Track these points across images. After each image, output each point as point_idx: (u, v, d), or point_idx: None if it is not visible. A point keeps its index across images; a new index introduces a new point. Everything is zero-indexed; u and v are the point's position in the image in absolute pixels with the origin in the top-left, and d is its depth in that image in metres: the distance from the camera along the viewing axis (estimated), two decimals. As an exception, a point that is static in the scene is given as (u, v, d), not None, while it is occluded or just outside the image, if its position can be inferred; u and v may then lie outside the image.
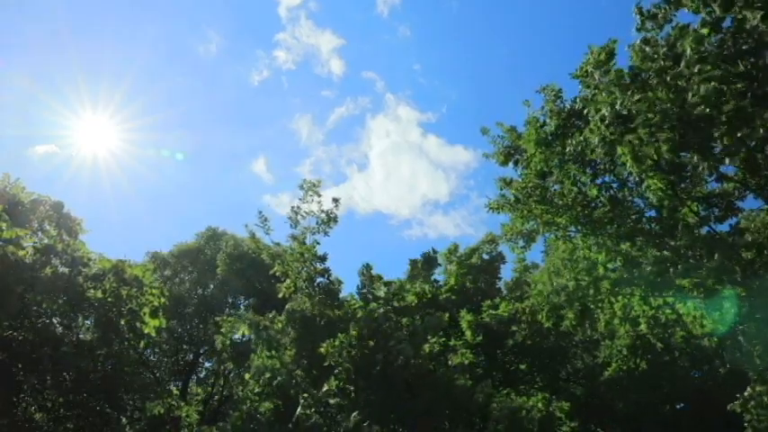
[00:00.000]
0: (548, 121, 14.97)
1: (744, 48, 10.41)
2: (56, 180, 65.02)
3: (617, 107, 11.97)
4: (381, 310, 24.16)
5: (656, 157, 12.08)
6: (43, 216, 17.99)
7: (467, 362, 23.59)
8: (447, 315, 25.56)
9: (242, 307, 39.82)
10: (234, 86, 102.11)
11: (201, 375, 39.56)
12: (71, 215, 18.96)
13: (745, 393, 20.42)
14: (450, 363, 23.04)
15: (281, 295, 22.63)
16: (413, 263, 34.59)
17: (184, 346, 38.69)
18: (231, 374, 22.35)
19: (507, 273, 38.18)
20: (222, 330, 21.33)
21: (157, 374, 34.15)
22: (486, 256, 34.41)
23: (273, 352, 20.76)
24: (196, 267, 40.26)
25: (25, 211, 17.49)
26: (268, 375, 20.22)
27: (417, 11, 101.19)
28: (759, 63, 10.46)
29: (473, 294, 32.84)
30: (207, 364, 39.45)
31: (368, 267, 24.09)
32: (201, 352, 39.19)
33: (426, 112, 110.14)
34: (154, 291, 17.78)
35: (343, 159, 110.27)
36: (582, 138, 13.65)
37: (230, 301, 40.04)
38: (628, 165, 12.70)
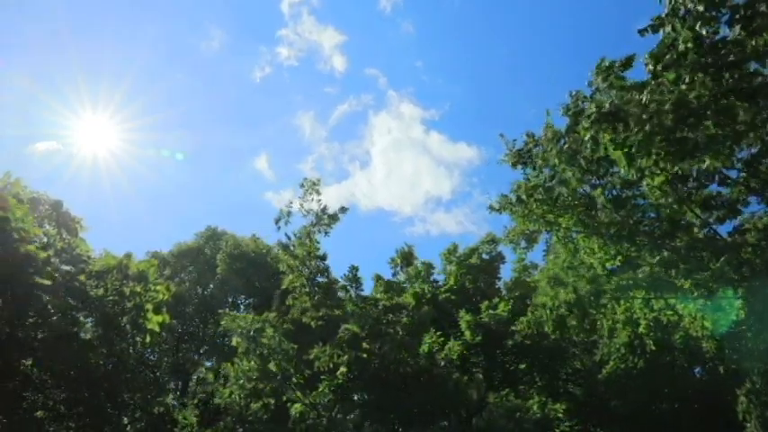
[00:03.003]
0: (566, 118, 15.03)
1: (729, 60, 10.55)
2: (56, 180, 65.19)
3: (606, 105, 12.21)
4: (378, 307, 24.28)
5: (647, 163, 12.23)
6: (42, 215, 17.98)
7: (454, 356, 23.63)
8: (431, 308, 25.61)
9: (242, 306, 39.84)
10: (235, 83, 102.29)
11: (202, 375, 39.53)
12: (70, 213, 18.95)
13: (743, 390, 21.62)
14: (442, 360, 23.15)
15: (284, 286, 22.74)
16: (392, 261, 34.83)
17: (184, 346, 38.72)
18: (227, 378, 22.38)
19: (507, 273, 38.21)
20: (223, 324, 21.46)
21: (157, 373, 34.11)
22: (485, 256, 34.39)
23: (267, 352, 20.80)
24: (196, 267, 40.28)
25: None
26: (255, 377, 20.29)
27: (419, 7, 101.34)
28: (743, 73, 10.61)
29: (472, 294, 32.81)
30: (207, 364, 39.44)
31: (354, 269, 24.27)
32: (202, 351, 39.18)
33: (429, 108, 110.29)
34: (158, 287, 17.77)
35: (346, 156, 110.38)
36: (576, 135, 13.78)
37: (230, 300, 40.04)
38: (622, 168, 12.86)
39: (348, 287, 24.34)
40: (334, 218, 22.53)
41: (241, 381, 20.40)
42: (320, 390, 19.71)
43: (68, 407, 17.31)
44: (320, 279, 23.36)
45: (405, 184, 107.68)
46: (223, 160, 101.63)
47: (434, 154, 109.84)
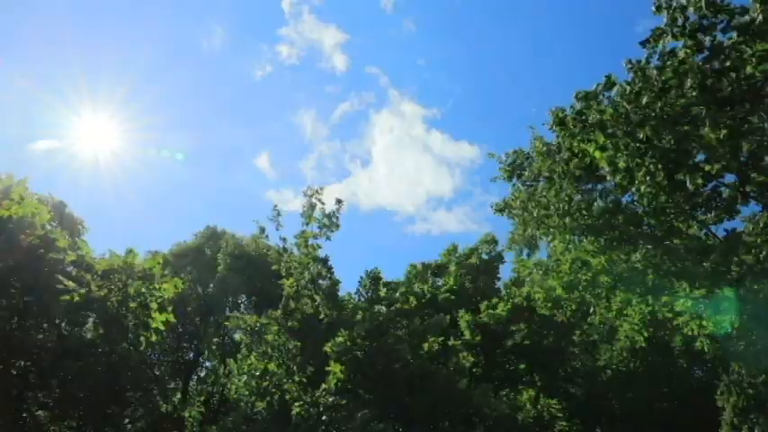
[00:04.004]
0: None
1: (726, 65, 10.72)
2: (56, 179, 65.20)
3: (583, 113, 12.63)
4: (383, 309, 24.37)
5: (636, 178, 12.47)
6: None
7: (468, 364, 23.73)
8: (448, 317, 25.76)
9: (242, 306, 39.90)
10: (236, 82, 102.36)
11: (202, 375, 39.59)
12: (73, 215, 19.06)
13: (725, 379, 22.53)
14: (449, 364, 23.21)
15: (285, 292, 22.80)
16: (413, 267, 34.80)
17: (185, 345, 38.76)
18: (231, 375, 22.52)
19: (507, 273, 38.35)
20: (229, 324, 21.62)
21: (158, 373, 34.17)
22: (485, 256, 34.50)
23: (270, 350, 20.92)
24: (196, 267, 40.24)
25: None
26: (258, 374, 20.41)
27: (421, 6, 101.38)
28: (739, 78, 10.76)
29: (472, 294, 32.92)
30: (207, 364, 39.51)
31: (375, 271, 24.26)
32: (205, 355, 39.19)
33: (431, 107, 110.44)
34: (165, 285, 17.75)
35: (347, 155, 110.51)
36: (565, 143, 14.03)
37: (231, 300, 40.06)
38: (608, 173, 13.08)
39: (367, 285, 24.30)
40: (335, 224, 22.53)
41: (245, 378, 20.53)
42: (327, 385, 19.76)
43: (69, 406, 17.35)
44: (322, 281, 23.42)
45: (406, 182, 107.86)
46: (224, 159, 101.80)
47: (436, 152, 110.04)
